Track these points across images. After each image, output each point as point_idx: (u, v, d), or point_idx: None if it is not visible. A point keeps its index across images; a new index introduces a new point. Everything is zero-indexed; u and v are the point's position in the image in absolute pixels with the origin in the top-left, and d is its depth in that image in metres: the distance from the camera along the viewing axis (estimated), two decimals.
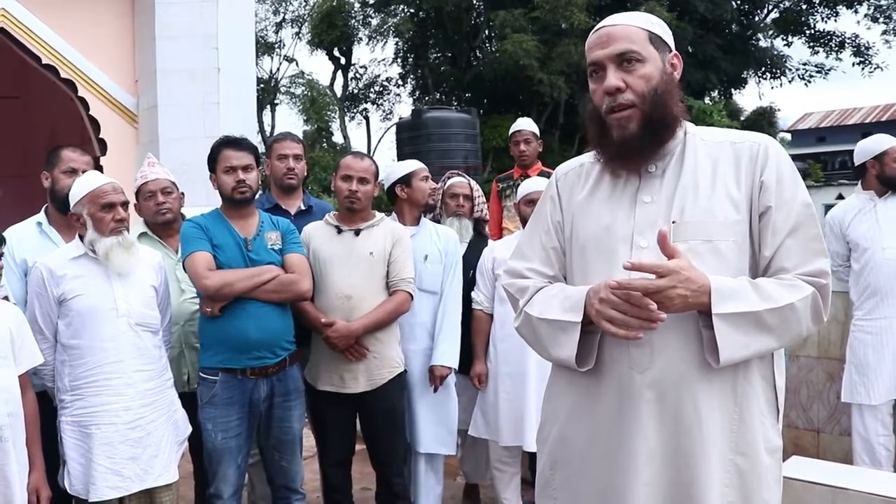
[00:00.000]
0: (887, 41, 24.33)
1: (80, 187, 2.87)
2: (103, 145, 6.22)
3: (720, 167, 1.78)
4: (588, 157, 1.96)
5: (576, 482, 1.85)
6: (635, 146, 1.77)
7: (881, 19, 23.83)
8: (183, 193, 3.61)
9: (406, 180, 3.73)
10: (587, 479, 1.82)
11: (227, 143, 3.18)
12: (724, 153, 1.80)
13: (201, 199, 3.97)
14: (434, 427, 3.63)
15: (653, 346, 1.69)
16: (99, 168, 5.44)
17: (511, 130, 5.33)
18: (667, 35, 1.84)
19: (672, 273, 1.60)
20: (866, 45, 24.42)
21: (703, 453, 1.70)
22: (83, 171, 3.21)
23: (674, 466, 1.71)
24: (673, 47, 1.85)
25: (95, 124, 6.20)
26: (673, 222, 1.74)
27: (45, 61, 5.96)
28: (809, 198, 1.77)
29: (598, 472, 1.79)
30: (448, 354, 3.61)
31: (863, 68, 24.57)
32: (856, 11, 23.94)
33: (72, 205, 2.88)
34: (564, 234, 1.92)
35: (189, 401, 3.12)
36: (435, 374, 3.60)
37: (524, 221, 3.82)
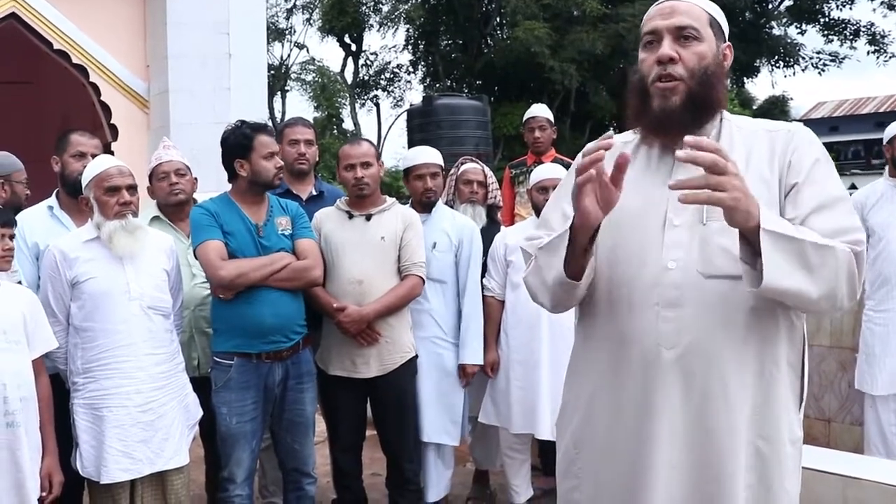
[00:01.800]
0: None
1: (89, 171, 2.89)
2: (114, 130, 6.23)
3: (754, 153, 1.77)
4: (619, 138, 1.94)
5: (600, 461, 1.84)
6: (674, 119, 1.76)
7: None
8: (196, 178, 3.61)
9: (406, 174, 3.76)
10: (612, 458, 1.81)
11: (261, 128, 3.18)
12: (758, 140, 1.79)
13: (212, 185, 3.96)
14: (439, 416, 3.63)
15: (682, 322, 1.68)
16: (109, 153, 5.45)
17: (525, 117, 5.29)
18: (724, 24, 1.85)
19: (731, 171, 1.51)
20: (882, 33, 24.12)
21: (730, 434, 1.69)
22: (92, 155, 3.22)
23: (699, 446, 1.70)
24: (727, 39, 1.85)
25: (107, 109, 6.21)
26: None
27: (56, 47, 5.97)
28: (842, 184, 1.75)
29: (623, 451, 1.78)
30: (477, 352, 3.65)
31: (878, 57, 24.30)
32: None
33: (83, 188, 2.89)
34: None
35: (199, 385, 3.12)
36: (467, 371, 3.63)
37: (536, 208, 3.80)
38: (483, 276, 3.84)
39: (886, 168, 4.31)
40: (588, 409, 1.88)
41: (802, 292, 1.59)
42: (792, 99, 27.30)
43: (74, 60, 6.03)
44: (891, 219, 4.14)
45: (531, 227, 3.80)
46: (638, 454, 1.75)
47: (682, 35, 1.76)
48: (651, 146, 1.85)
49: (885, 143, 4.27)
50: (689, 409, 1.70)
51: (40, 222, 3.22)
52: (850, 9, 23.78)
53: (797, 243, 1.57)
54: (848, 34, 24.24)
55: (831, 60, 24.69)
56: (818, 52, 24.78)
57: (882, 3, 23.61)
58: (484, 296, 3.80)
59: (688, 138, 1.51)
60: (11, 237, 2.80)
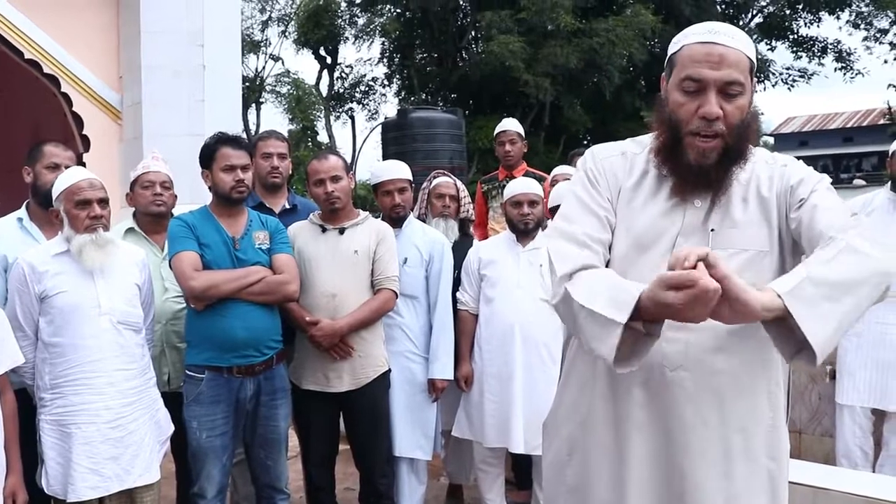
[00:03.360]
0: (868, 47, 24.53)
1: (60, 183, 2.84)
2: (86, 142, 6.16)
3: (754, 180, 1.79)
4: (629, 147, 1.91)
5: (594, 469, 1.85)
6: (709, 176, 1.74)
7: (862, 25, 24.07)
8: (175, 195, 3.58)
9: (374, 190, 3.77)
10: (606, 468, 1.82)
11: (226, 140, 3.15)
12: (759, 169, 1.81)
13: (185, 197, 3.94)
14: (411, 431, 3.62)
15: (688, 344, 1.69)
16: (81, 164, 5.39)
17: (496, 131, 5.30)
18: (755, 63, 1.79)
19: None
20: (848, 50, 24.66)
21: (747, 457, 1.70)
22: (66, 167, 3.18)
23: (717, 471, 1.71)
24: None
25: (79, 120, 6.14)
26: (712, 230, 1.75)
27: (27, 56, 5.90)
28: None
29: (618, 462, 1.79)
30: (447, 367, 3.64)
31: (844, 74, 24.81)
32: (838, 17, 24.16)
33: (53, 200, 2.85)
34: (613, 212, 1.85)
35: (170, 400, 3.08)
36: (436, 386, 3.62)
37: (510, 222, 3.82)
38: (456, 289, 3.84)
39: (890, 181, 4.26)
40: (584, 418, 1.88)
41: (856, 316, 1.54)
42: (763, 114, 27.71)
43: (46, 70, 5.97)
44: (882, 230, 4.14)
45: (504, 242, 3.82)
46: (629, 469, 1.76)
47: (729, 92, 1.71)
48: (688, 194, 1.79)
49: (888, 157, 4.28)
50: (707, 432, 1.71)
51: (9, 234, 3.16)
52: (818, 27, 24.34)
53: (812, 280, 1.50)
54: (816, 51, 24.74)
55: (800, 76, 25.18)
56: (788, 68, 25.26)
57: (848, 21, 24.12)
58: (457, 309, 3.80)
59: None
60: None
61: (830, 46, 24.64)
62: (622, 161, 1.89)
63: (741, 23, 24.10)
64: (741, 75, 1.70)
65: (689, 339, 1.67)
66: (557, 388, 2.03)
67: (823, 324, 1.48)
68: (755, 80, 1.80)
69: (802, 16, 24.38)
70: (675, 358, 1.71)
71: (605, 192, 1.85)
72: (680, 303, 1.43)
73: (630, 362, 1.61)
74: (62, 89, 6.05)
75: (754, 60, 1.76)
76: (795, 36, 24.73)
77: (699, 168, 1.73)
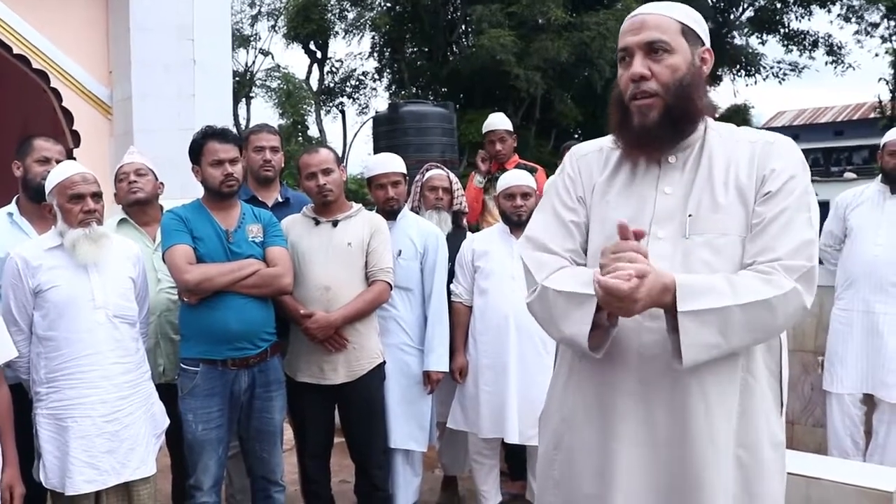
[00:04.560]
0: (859, 41, 24.58)
1: (52, 177, 2.84)
2: (76, 137, 6.13)
3: (734, 164, 1.79)
4: (607, 142, 1.95)
5: (577, 463, 1.86)
6: (654, 135, 1.78)
7: (853, 19, 24.11)
8: (162, 183, 3.58)
9: (368, 183, 3.78)
10: (587, 464, 1.83)
11: (213, 134, 3.14)
12: (739, 150, 1.81)
13: (176, 192, 3.93)
14: (406, 423, 3.63)
15: (663, 334, 1.70)
16: (72, 159, 5.37)
17: (484, 130, 5.21)
18: (700, 29, 1.84)
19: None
20: (839, 44, 24.72)
21: (711, 443, 1.71)
22: (56, 161, 3.19)
23: (678, 456, 1.72)
24: (707, 42, 1.86)
25: (68, 116, 6.10)
26: (689, 215, 1.76)
27: (16, 51, 5.86)
28: (810, 187, 1.78)
29: (598, 456, 1.81)
30: (442, 359, 3.64)
31: (835, 67, 24.86)
32: (829, 11, 24.19)
33: (46, 194, 2.85)
34: (587, 211, 1.91)
35: (165, 392, 3.09)
36: (432, 378, 3.62)
37: (504, 215, 3.82)
38: (450, 282, 3.85)
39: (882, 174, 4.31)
40: (568, 413, 1.90)
41: (735, 348, 1.67)
42: (753, 107, 27.76)
43: (35, 65, 5.93)
44: (868, 222, 4.20)
45: (498, 234, 3.82)
46: (612, 461, 1.77)
47: (653, 50, 1.77)
48: (636, 158, 1.86)
49: (879, 150, 4.31)
50: (671, 419, 1.73)
51: (0, 229, 3.15)
52: (809, 20, 24.30)
53: (721, 312, 1.61)
54: (807, 45, 24.76)
55: (791, 70, 25.21)
56: (778, 62, 25.29)
57: (839, 15, 24.17)
58: (451, 301, 3.81)
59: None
60: None
61: (821, 40, 24.68)
62: (598, 156, 1.95)
63: (732, 16, 24.15)
64: (664, 35, 1.77)
65: (664, 327, 1.69)
66: (550, 382, 2.04)
67: (704, 353, 1.63)
68: (701, 43, 1.83)
69: (793, 9, 24.41)
70: (651, 347, 1.73)
71: (580, 191, 1.92)
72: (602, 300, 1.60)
73: (601, 347, 1.73)
74: (51, 84, 6.02)
75: (687, 23, 1.81)
76: (786, 30, 24.75)
77: (641, 127, 1.78)
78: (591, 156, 1.96)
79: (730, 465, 1.73)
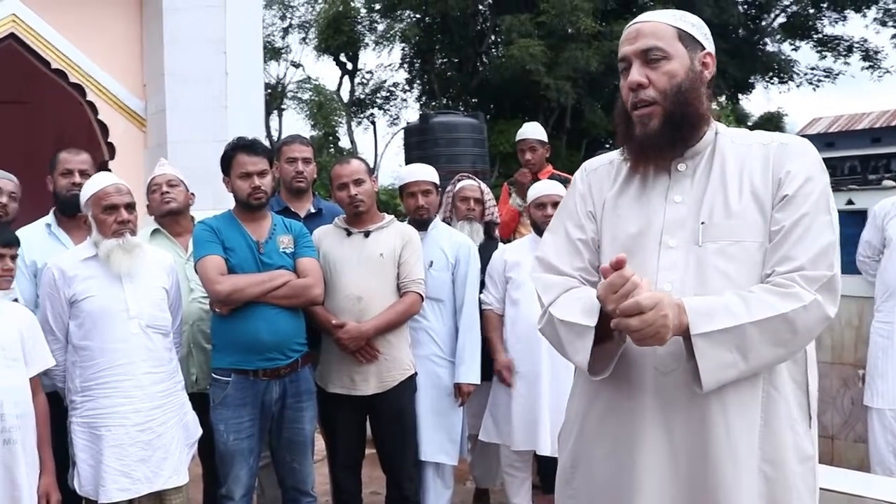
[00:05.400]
0: None
1: (87, 188, 2.89)
2: (112, 149, 6.23)
3: (748, 168, 1.76)
4: (617, 155, 1.94)
5: (596, 481, 1.83)
6: (656, 143, 1.76)
7: (890, 23, 23.73)
8: (193, 194, 3.61)
9: (400, 192, 3.78)
10: (605, 480, 1.80)
11: (242, 147, 3.16)
12: (753, 154, 1.78)
13: (208, 203, 3.97)
14: (437, 435, 3.60)
15: (680, 347, 1.66)
16: (106, 170, 5.45)
17: (517, 138, 5.19)
18: (700, 33, 1.82)
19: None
20: (875, 48, 24.33)
21: (733, 460, 1.66)
22: (80, 172, 3.27)
23: (700, 473, 1.68)
24: (708, 46, 1.82)
25: (104, 128, 6.21)
26: (702, 223, 1.73)
27: (54, 66, 5.98)
28: (829, 188, 1.74)
29: (616, 473, 1.77)
30: (473, 371, 3.61)
31: (872, 72, 24.49)
32: (864, 15, 23.84)
33: (81, 206, 2.89)
34: (597, 226, 1.90)
35: (197, 401, 3.11)
36: (462, 390, 3.60)
37: (535, 224, 3.80)
38: (481, 293, 3.82)
39: None
40: (583, 428, 1.87)
41: (756, 368, 1.64)
42: (787, 115, 27.40)
43: (72, 79, 6.05)
44: None
45: (529, 244, 3.80)
46: (631, 478, 1.73)
47: (650, 58, 1.76)
48: (644, 167, 1.84)
49: None
50: (690, 433, 1.69)
51: (38, 240, 3.21)
52: (843, 25, 23.99)
53: (737, 331, 1.59)
54: (842, 50, 24.41)
55: (826, 76, 24.87)
56: (812, 68, 24.96)
57: (875, 19, 23.80)
58: (482, 310, 3.79)
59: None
60: (13, 258, 2.79)
61: (857, 45, 24.32)
62: (608, 170, 1.94)
63: (764, 23, 23.89)
64: (659, 41, 1.76)
65: (681, 340, 1.65)
66: (567, 398, 2.02)
67: (722, 375, 1.60)
68: (701, 48, 1.80)
69: (827, 14, 24.08)
70: (667, 362, 1.70)
71: (590, 206, 1.92)
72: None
73: (606, 369, 1.72)
74: (87, 98, 6.12)
75: (684, 29, 1.79)
76: (820, 35, 24.44)
77: (643, 137, 1.77)
78: (602, 169, 1.96)
79: (754, 480, 1.68)
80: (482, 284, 3.85)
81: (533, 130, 5.17)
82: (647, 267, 1.73)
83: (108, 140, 6.23)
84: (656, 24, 1.79)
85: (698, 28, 1.82)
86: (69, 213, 3.24)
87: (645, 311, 1.53)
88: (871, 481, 3.28)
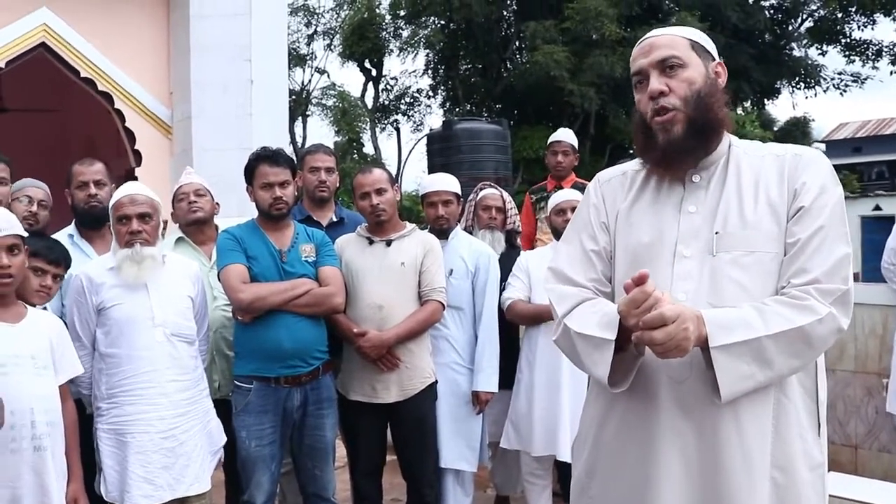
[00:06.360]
0: None
1: (112, 199, 2.94)
2: (138, 156, 6.32)
3: (763, 179, 1.78)
4: (630, 166, 1.97)
5: (611, 490, 1.84)
6: (681, 148, 1.78)
7: None
8: (218, 203, 3.66)
9: (422, 201, 3.80)
10: (622, 488, 1.81)
11: (264, 157, 3.20)
12: (767, 165, 1.80)
13: (233, 211, 4.00)
14: (456, 442, 3.62)
15: (692, 356, 1.67)
16: (133, 178, 5.53)
17: (550, 140, 5.25)
18: (709, 45, 1.87)
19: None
20: None
21: (745, 467, 1.67)
22: (95, 182, 3.32)
23: (712, 480, 1.69)
24: (717, 57, 1.87)
25: (131, 136, 6.30)
26: (716, 233, 1.75)
27: (83, 75, 6.07)
28: (842, 199, 1.75)
29: (631, 483, 1.78)
30: (492, 379, 3.62)
31: None
32: (894, 19, 23.55)
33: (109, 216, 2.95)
34: (611, 237, 1.92)
35: (220, 408, 3.14)
36: (480, 398, 3.61)
37: (555, 232, 3.81)
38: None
39: None
40: (599, 438, 1.88)
41: (773, 378, 1.65)
42: (813, 120, 27.14)
43: (100, 88, 6.13)
44: None
45: (551, 253, 3.80)
46: (646, 487, 1.74)
47: (667, 67, 1.79)
48: (661, 177, 1.86)
49: None
50: (702, 442, 1.70)
51: None
52: (872, 29, 23.68)
53: (755, 343, 1.60)
54: (870, 54, 24.09)
55: (853, 81, 24.52)
56: (840, 73, 24.62)
57: None
58: (508, 305, 3.75)
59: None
60: (56, 277, 2.84)
61: (886, 49, 24.01)
62: (622, 180, 1.96)
63: (790, 28, 23.67)
64: (675, 51, 1.80)
65: (697, 351, 1.66)
66: (582, 408, 2.03)
67: (740, 386, 1.62)
68: (712, 58, 1.85)
69: (855, 18, 23.80)
70: (680, 370, 1.71)
71: (604, 217, 1.93)
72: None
73: (625, 380, 1.73)
74: (115, 106, 6.21)
75: (695, 39, 1.84)
76: (848, 39, 24.16)
77: (667, 143, 1.78)
78: (616, 180, 1.97)
79: (765, 487, 1.69)
80: (504, 287, 3.84)
81: (567, 135, 5.26)
82: (661, 277, 1.74)
83: (135, 148, 6.31)
84: (669, 37, 1.84)
85: (707, 41, 1.88)
86: (88, 226, 3.31)
87: (668, 323, 1.54)
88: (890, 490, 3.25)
